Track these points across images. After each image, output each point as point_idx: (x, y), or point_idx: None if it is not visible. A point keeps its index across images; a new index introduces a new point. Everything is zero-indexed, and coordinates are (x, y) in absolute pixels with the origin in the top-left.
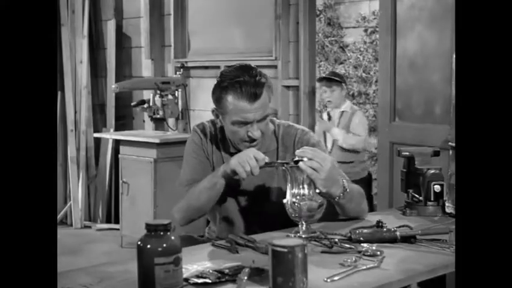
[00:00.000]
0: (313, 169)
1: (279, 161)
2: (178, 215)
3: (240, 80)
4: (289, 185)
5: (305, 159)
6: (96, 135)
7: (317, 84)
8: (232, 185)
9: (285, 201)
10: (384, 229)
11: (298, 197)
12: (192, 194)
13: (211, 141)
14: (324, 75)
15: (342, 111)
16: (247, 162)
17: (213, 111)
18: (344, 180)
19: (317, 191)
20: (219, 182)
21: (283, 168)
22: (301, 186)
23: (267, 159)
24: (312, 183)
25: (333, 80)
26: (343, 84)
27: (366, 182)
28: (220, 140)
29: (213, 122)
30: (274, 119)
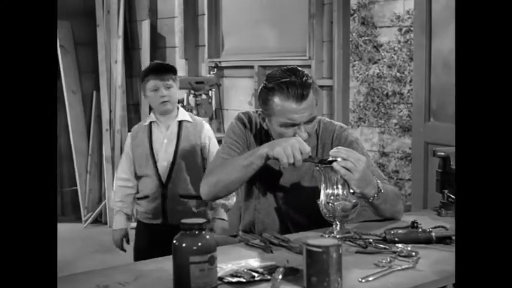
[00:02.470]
0: (347, 169)
1: (319, 157)
2: (204, 189)
3: (287, 81)
4: (324, 185)
5: (339, 159)
6: None
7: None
8: (274, 180)
9: (318, 201)
10: (420, 230)
11: (332, 197)
12: (223, 169)
13: (253, 134)
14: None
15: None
16: (293, 153)
17: (259, 114)
18: (378, 181)
19: (351, 191)
20: (256, 163)
21: (317, 168)
22: (335, 187)
23: (310, 153)
24: (346, 184)
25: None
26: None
27: None
28: (263, 136)
29: (259, 115)
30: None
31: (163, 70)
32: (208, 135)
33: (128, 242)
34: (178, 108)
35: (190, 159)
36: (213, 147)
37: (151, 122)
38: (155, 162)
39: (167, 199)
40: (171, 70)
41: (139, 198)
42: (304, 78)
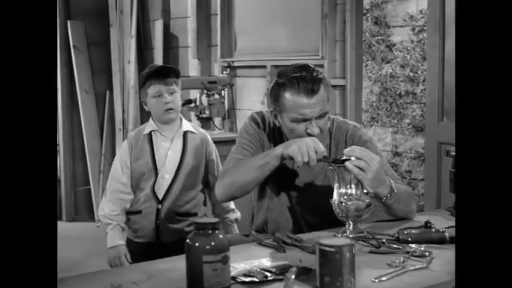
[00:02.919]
0: (361, 169)
1: (333, 156)
2: (219, 190)
3: (297, 76)
4: (337, 184)
5: (353, 158)
6: None
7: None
8: (287, 180)
9: (332, 200)
10: (433, 230)
11: (345, 197)
12: (239, 170)
13: (267, 134)
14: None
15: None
16: (308, 152)
17: (271, 111)
18: (392, 181)
19: (364, 191)
20: (271, 163)
21: (331, 168)
22: (348, 186)
23: (325, 153)
24: (359, 183)
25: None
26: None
27: None
28: (277, 135)
29: (271, 112)
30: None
31: (166, 73)
32: (214, 150)
33: (129, 260)
34: (181, 117)
35: (192, 175)
36: (220, 164)
37: (151, 131)
38: (156, 176)
39: (161, 216)
40: (174, 73)
41: (128, 213)
42: (314, 73)
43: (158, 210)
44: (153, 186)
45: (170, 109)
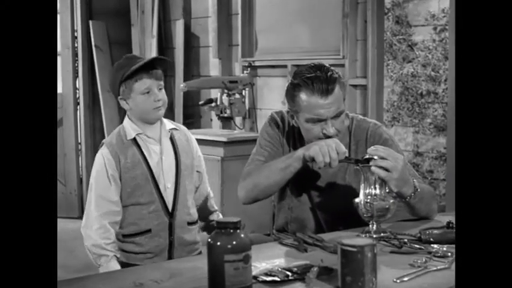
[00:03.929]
0: (386, 169)
1: (355, 157)
2: (242, 193)
3: (312, 76)
4: (363, 184)
5: (376, 157)
6: None
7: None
8: (308, 180)
9: (357, 200)
10: (455, 230)
11: (369, 197)
12: (261, 172)
13: (287, 133)
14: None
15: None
16: (329, 152)
17: (288, 112)
18: (415, 180)
19: (387, 190)
20: (293, 165)
21: (357, 168)
22: (373, 186)
23: (347, 154)
24: (383, 183)
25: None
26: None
27: None
28: (296, 134)
29: (288, 113)
30: (348, 112)
31: (154, 66)
32: (197, 146)
33: None
34: None
35: (191, 176)
36: (203, 163)
37: (135, 135)
38: (157, 186)
39: (175, 230)
40: (162, 65)
41: (130, 235)
42: (329, 73)
43: (170, 225)
44: (161, 199)
45: (161, 106)
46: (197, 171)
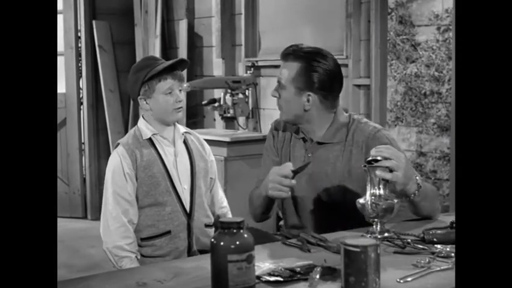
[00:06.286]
0: (391, 169)
1: (303, 163)
2: (250, 213)
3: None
4: (369, 185)
5: (379, 157)
6: None
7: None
8: (304, 184)
9: (362, 201)
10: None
11: (373, 197)
12: (253, 197)
13: (280, 138)
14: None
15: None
16: (278, 186)
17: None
18: (418, 177)
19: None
20: (266, 198)
21: (365, 169)
22: (377, 187)
23: (291, 168)
24: (387, 183)
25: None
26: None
27: None
28: (286, 141)
29: None
30: (352, 113)
31: (176, 68)
32: (210, 150)
33: None
34: None
35: (206, 178)
36: (215, 169)
37: (151, 135)
38: (174, 187)
39: (193, 232)
40: (184, 67)
41: (149, 238)
42: (299, 48)
43: (189, 226)
44: (179, 200)
45: (180, 108)
46: (210, 178)
